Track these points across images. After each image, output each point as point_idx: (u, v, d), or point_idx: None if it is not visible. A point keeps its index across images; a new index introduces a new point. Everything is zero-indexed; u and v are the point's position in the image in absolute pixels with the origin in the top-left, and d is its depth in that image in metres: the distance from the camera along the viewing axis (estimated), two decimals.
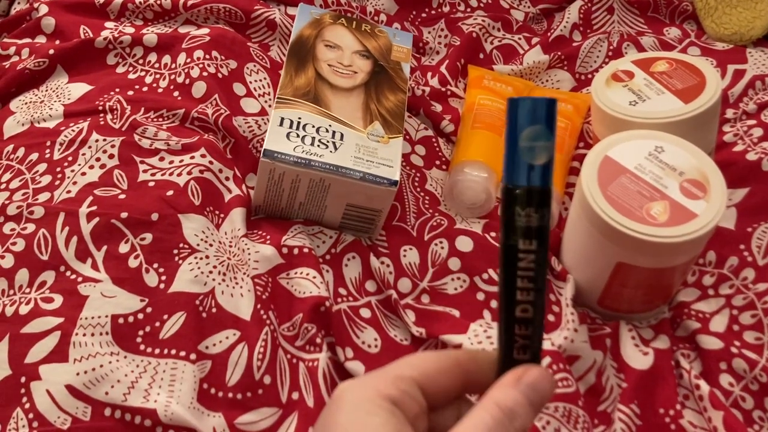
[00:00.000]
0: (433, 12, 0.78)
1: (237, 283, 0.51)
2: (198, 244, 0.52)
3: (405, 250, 0.57)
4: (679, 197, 0.49)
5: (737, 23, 0.74)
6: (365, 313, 0.53)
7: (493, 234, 0.58)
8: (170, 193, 0.54)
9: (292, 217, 0.57)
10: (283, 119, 0.55)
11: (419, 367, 0.29)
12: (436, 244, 0.57)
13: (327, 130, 0.55)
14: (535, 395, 0.26)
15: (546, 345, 0.50)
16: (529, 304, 0.26)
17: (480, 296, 0.55)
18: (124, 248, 0.51)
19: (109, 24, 0.68)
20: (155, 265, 0.51)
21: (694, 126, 0.55)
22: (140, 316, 0.49)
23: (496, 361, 0.29)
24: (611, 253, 0.50)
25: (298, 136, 0.54)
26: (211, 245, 0.52)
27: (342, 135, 0.55)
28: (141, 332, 0.48)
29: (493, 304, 0.55)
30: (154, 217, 0.52)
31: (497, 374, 0.28)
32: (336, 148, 0.54)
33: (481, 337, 0.51)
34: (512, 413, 0.26)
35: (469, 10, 0.79)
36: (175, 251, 0.52)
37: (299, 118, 0.55)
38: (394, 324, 0.54)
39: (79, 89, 0.62)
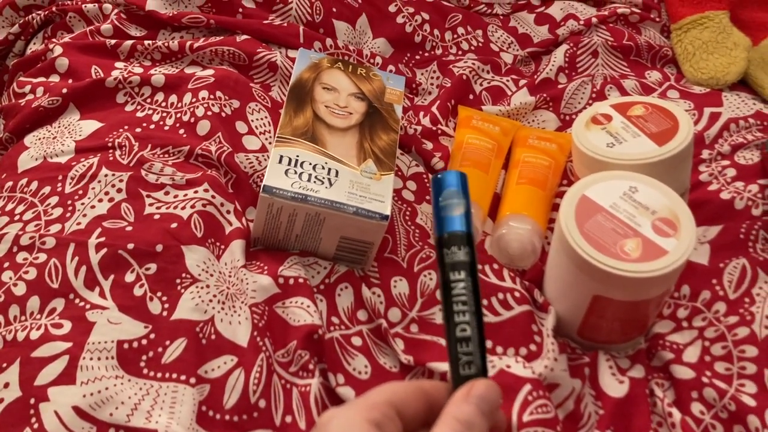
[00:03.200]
0: (426, 54, 0.82)
1: (235, 311, 0.54)
2: (199, 275, 0.55)
3: (395, 281, 0.60)
4: (651, 235, 0.52)
5: (714, 69, 0.79)
6: (356, 341, 0.56)
7: (479, 266, 0.62)
8: (174, 225, 0.57)
9: (288, 248, 0.60)
10: (282, 157, 0.58)
11: (394, 394, 0.32)
12: (425, 276, 0.60)
13: (323, 167, 0.58)
14: (485, 405, 0.30)
15: (527, 372, 0.53)
16: (466, 324, 0.31)
17: None
18: (129, 277, 0.54)
19: (119, 64, 0.72)
20: (159, 294, 0.54)
21: (667, 167, 0.58)
22: (144, 341, 0.52)
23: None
24: (588, 287, 0.53)
25: (295, 172, 0.57)
26: (211, 275, 0.56)
27: (337, 172, 0.58)
28: (144, 357, 0.51)
29: None
30: (159, 248, 0.56)
31: (450, 392, 0.32)
32: (331, 184, 0.57)
33: None
34: (470, 424, 0.29)
35: (460, 52, 0.83)
36: (178, 281, 0.55)
37: (297, 156, 0.59)
38: (383, 352, 0.56)
39: (90, 126, 0.66)
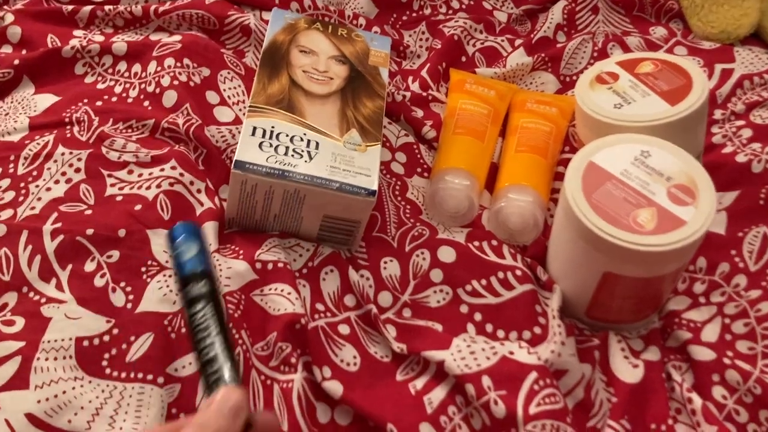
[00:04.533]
0: (414, 15, 0.76)
1: None
2: (167, 261, 0.50)
3: (385, 262, 0.55)
4: (667, 203, 0.47)
5: (724, 21, 0.73)
6: (344, 329, 0.51)
7: (476, 243, 0.56)
8: (138, 207, 0.52)
9: (267, 229, 0.54)
10: (255, 128, 0.52)
11: None
12: (417, 255, 0.55)
13: (302, 139, 0.53)
14: (224, 406, 0.30)
15: (532, 359, 0.48)
16: (209, 347, 0.33)
17: (463, 309, 0.53)
18: (90, 267, 0.49)
19: (78, 32, 0.65)
20: (122, 284, 0.49)
21: (681, 129, 0.53)
22: (106, 338, 0.46)
23: None
24: (598, 263, 0.48)
25: (271, 145, 0.52)
26: None
27: (317, 144, 0.53)
28: (107, 355, 0.46)
29: (477, 317, 0.53)
30: (122, 233, 0.50)
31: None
32: (311, 158, 0.52)
33: (465, 352, 0.49)
34: (204, 426, 0.30)
35: (450, 12, 0.77)
36: (143, 269, 0.49)
37: (272, 127, 0.53)
38: (374, 340, 0.51)
39: (45, 100, 0.60)
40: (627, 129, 0.53)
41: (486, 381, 0.47)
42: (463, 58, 0.73)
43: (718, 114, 0.66)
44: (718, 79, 0.69)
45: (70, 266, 0.49)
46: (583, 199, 0.47)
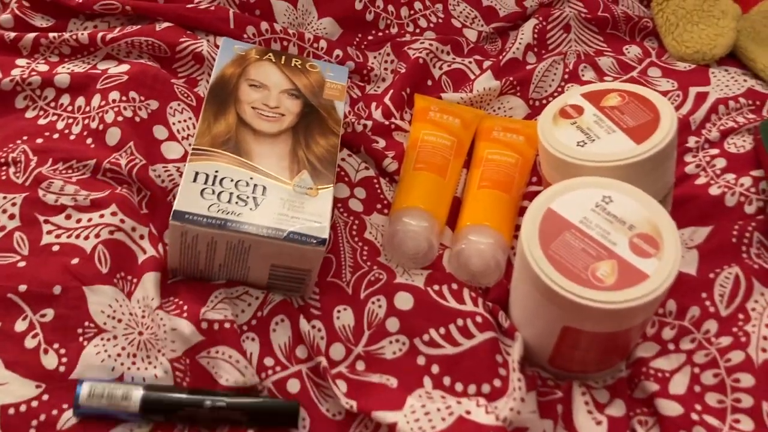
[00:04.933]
0: (379, 34, 0.73)
1: (150, 363, 0.47)
2: (105, 323, 0.47)
3: (339, 311, 0.52)
4: (629, 255, 0.44)
5: (699, 41, 0.70)
6: (293, 385, 0.48)
7: (436, 287, 0.54)
8: (75, 261, 0.49)
9: (213, 278, 0.52)
10: (197, 174, 0.50)
11: None
12: (373, 303, 0.53)
13: (247, 184, 0.50)
14: None
15: (490, 419, 0.46)
16: None
17: (420, 360, 0.50)
18: (21, 326, 0.46)
19: (20, 62, 0.62)
20: (55, 346, 0.46)
21: (647, 168, 0.50)
22: (34, 404, 0.44)
23: None
24: (556, 317, 0.46)
25: (213, 192, 0.49)
26: (119, 321, 0.48)
27: (264, 188, 0.50)
28: (35, 422, 0.43)
29: (435, 369, 0.50)
30: (57, 290, 0.48)
31: None
32: (257, 205, 0.49)
33: (419, 413, 0.46)
34: None
35: (418, 30, 0.74)
36: (80, 330, 0.47)
37: (216, 172, 0.50)
38: (326, 395, 0.49)
39: None
40: (590, 169, 0.50)
41: None
42: (429, 82, 0.70)
43: (692, 141, 0.63)
44: (693, 104, 0.66)
45: None
46: (540, 251, 0.45)
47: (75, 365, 0.45)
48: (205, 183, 0.49)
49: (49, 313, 0.47)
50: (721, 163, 0.61)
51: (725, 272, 0.54)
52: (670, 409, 0.48)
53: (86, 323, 0.47)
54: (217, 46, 0.65)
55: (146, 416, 0.44)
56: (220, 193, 0.49)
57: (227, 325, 0.48)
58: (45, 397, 0.44)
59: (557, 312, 0.45)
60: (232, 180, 0.50)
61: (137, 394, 0.44)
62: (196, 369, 0.47)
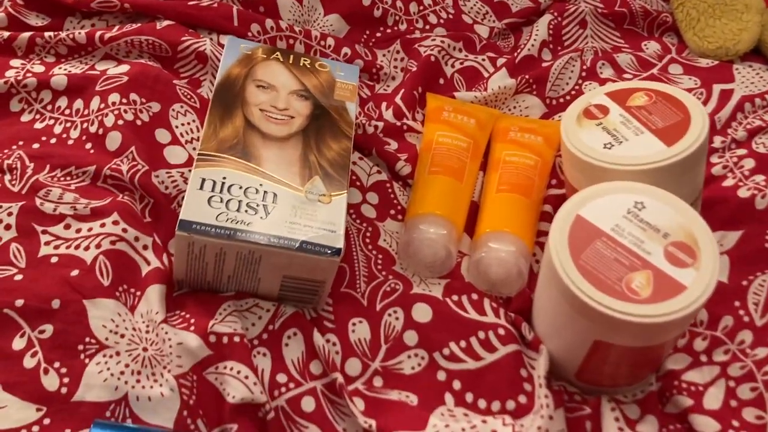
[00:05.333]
0: (388, 31, 0.71)
1: (156, 381, 0.44)
2: (107, 338, 0.44)
3: (354, 324, 0.49)
4: (665, 265, 0.42)
5: (722, 36, 0.67)
6: (308, 404, 0.46)
7: (455, 298, 0.51)
8: (75, 273, 0.46)
9: (221, 290, 0.49)
10: (204, 180, 0.47)
11: None
12: (389, 315, 0.50)
13: (257, 191, 0.47)
14: None
15: None
16: None
17: (441, 376, 0.48)
18: (19, 344, 0.44)
19: (15, 62, 0.59)
20: (56, 365, 0.43)
21: (678, 172, 0.48)
22: (35, 428, 0.41)
23: None
24: (587, 331, 0.43)
25: (221, 200, 0.46)
26: (122, 336, 0.45)
27: (275, 196, 0.47)
28: None
29: (456, 385, 0.47)
30: (55, 304, 0.45)
31: None
32: (267, 213, 0.46)
33: None
34: None
35: (428, 27, 0.71)
36: (81, 347, 0.44)
37: (224, 178, 0.47)
38: (342, 413, 0.46)
39: None
40: (619, 173, 0.48)
41: None
42: (441, 81, 0.67)
43: (717, 142, 0.61)
44: (717, 102, 0.64)
45: None
46: (570, 261, 0.42)
47: (77, 386, 0.43)
48: (213, 190, 0.46)
49: (48, 329, 0.44)
50: (749, 163, 0.58)
51: (759, 279, 0.51)
52: (706, 425, 0.46)
53: (87, 339, 0.44)
54: (221, 45, 0.62)
55: None
56: (228, 201, 0.46)
57: (237, 339, 0.46)
58: (46, 421, 0.41)
59: (589, 325, 0.43)
60: (240, 187, 0.47)
61: None
62: (203, 385, 0.45)
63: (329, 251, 0.46)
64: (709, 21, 0.68)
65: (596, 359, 0.45)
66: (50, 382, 0.43)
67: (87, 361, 0.44)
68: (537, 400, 0.46)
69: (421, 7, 0.72)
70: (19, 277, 0.46)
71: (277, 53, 0.56)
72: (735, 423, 0.46)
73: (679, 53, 0.70)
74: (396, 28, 0.71)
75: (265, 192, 0.47)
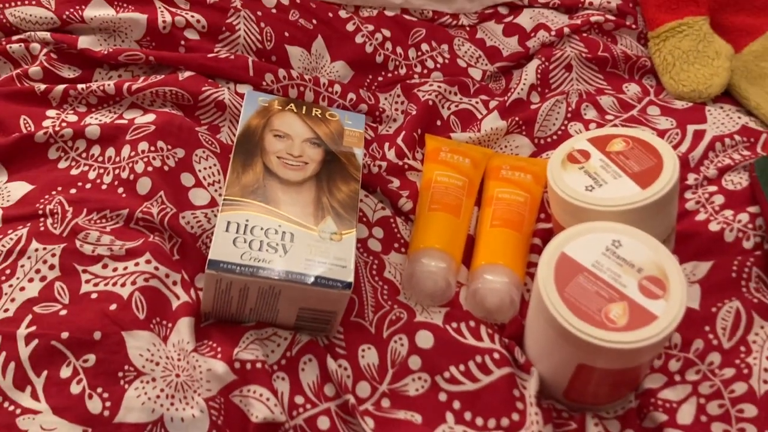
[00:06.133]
0: (389, 75, 0.77)
1: (188, 404, 0.49)
2: (143, 366, 0.50)
3: (363, 350, 0.55)
4: (639, 297, 0.48)
5: (695, 80, 0.74)
6: (323, 423, 0.51)
7: (454, 325, 0.57)
8: (113, 307, 0.52)
9: (243, 321, 0.54)
10: (229, 223, 0.53)
11: None
12: (395, 341, 0.55)
13: (276, 232, 0.53)
14: None
15: None
16: None
17: (442, 397, 0.53)
18: (65, 372, 0.49)
19: (50, 112, 0.65)
20: (99, 390, 0.48)
21: (652, 211, 0.54)
22: None
23: None
24: (571, 355, 0.49)
25: (245, 241, 0.52)
26: (157, 364, 0.50)
27: (292, 235, 0.53)
28: None
29: (456, 405, 0.53)
30: (97, 335, 0.50)
31: None
32: (286, 251, 0.52)
33: None
34: None
35: (425, 71, 0.78)
36: (120, 374, 0.49)
37: (247, 221, 0.53)
38: (354, 431, 0.52)
39: (19, 189, 0.59)
40: (599, 213, 0.54)
41: None
42: (439, 122, 0.73)
43: (691, 179, 0.67)
44: (691, 142, 0.70)
45: (45, 373, 0.48)
46: (556, 294, 0.48)
47: (118, 408, 0.48)
48: (237, 232, 0.52)
49: (91, 359, 0.49)
50: (719, 199, 0.64)
51: (726, 306, 0.57)
52: None
53: (126, 367, 0.50)
54: (238, 94, 0.68)
55: None
56: (251, 241, 0.52)
57: (258, 365, 0.51)
58: None
59: (572, 351, 0.48)
60: (261, 228, 0.53)
61: None
62: (229, 407, 0.50)
63: (341, 284, 0.51)
64: (684, 66, 0.75)
65: (581, 380, 0.51)
66: (94, 405, 0.48)
67: (126, 386, 0.49)
68: (528, 418, 0.51)
69: (419, 53, 0.78)
70: (63, 312, 0.52)
71: (292, 104, 0.62)
72: None
73: (657, 95, 0.76)
74: (396, 72, 0.77)
75: (283, 232, 0.53)
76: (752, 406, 0.52)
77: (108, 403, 0.48)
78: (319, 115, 0.62)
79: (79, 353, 0.50)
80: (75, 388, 0.48)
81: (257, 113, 0.60)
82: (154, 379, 0.50)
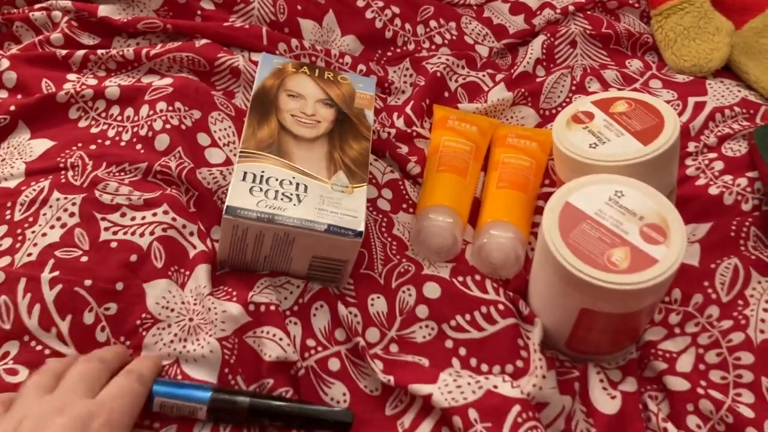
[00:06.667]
0: (398, 50, 0.79)
1: (200, 345, 0.51)
2: (159, 313, 0.52)
3: (373, 299, 0.57)
4: (640, 243, 0.49)
5: (696, 55, 0.76)
6: (334, 365, 0.53)
7: (460, 278, 0.59)
8: (134, 258, 0.53)
9: (258, 269, 0.56)
10: (246, 173, 0.54)
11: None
12: (403, 292, 0.57)
13: (291, 183, 0.55)
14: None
15: (515, 393, 0.50)
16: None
17: (448, 344, 0.55)
18: (88, 318, 0.51)
19: (71, 76, 0.67)
20: (122, 339, 0.50)
21: (653, 167, 0.55)
22: None
23: None
24: (574, 300, 0.50)
25: (261, 190, 0.54)
26: (172, 310, 0.52)
27: (306, 187, 0.55)
28: None
29: (462, 351, 0.55)
30: (119, 286, 0.52)
31: None
32: (300, 201, 0.54)
33: (452, 386, 0.51)
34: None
35: (433, 47, 0.80)
36: (138, 322, 0.51)
37: (262, 172, 0.55)
38: (364, 373, 0.53)
39: (41, 146, 0.61)
40: (602, 168, 0.56)
41: (472, 414, 0.49)
42: (446, 94, 0.75)
43: (691, 147, 0.68)
44: (692, 112, 0.72)
45: (69, 317, 0.50)
46: (560, 240, 0.50)
47: (139, 354, 0.50)
48: (253, 182, 0.54)
49: (113, 308, 0.51)
50: (719, 165, 0.66)
51: (725, 263, 0.59)
52: (678, 384, 0.53)
53: (144, 315, 0.52)
54: (252, 61, 0.70)
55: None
56: (266, 190, 0.54)
57: (272, 308, 0.53)
58: None
59: (576, 295, 0.50)
60: (276, 179, 0.55)
61: (203, 408, 0.48)
62: (242, 347, 0.52)
63: (351, 233, 0.53)
64: (685, 42, 0.77)
65: (583, 328, 0.52)
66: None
67: (144, 333, 0.51)
68: (532, 364, 0.53)
69: (428, 29, 0.80)
70: (84, 258, 0.53)
71: (305, 67, 0.64)
72: (703, 383, 0.53)
73: (659, 70, 0.78)
74: (405, 47, 0.79)
75: (297, 184, 0.55)
76: (749, 354, 0.53)
77: (129, 351, 0.50)
78: (332, 78, 0.64)
79: (102, 301, 0.52)
80: (100, 336, 0.50)
81: (272, 74, 0.62)
82: (169, 325, 0.52)
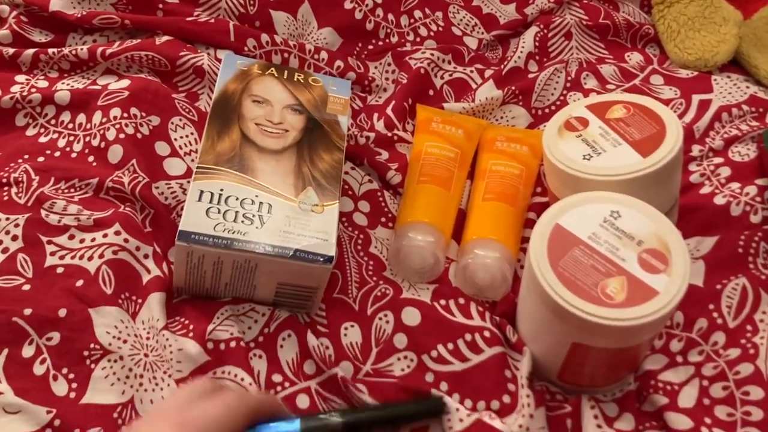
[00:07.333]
0: (379, 43, 0.73)
1: (157, 385, 0.46)
2: (110, 344, 0.47)
3: (346, 328, 0.52)
4: (638, 271, 0.44)
5: (701, 48, 0.70)
6: (302, 401, 0.48)
7: (443, 302, 0.54)
8: (80, 283, 0.49)
9: (218, 296, 0.51)
10: (202, 192, 0.49)
11: None
12: (380, 318, 0.52)
13: (253, 202, 0.50)
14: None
15: (504, 427, 0.46)
16: None
17: (429, 377, 0.50)
18: (28, 351, 0.46)
19: (20, 78, 0.62)
20: (64, 371, 0.46)
21: (653, 182, 0.50)
22: (48, 431, 0.43)
23: None
24: (566, 334, 0.46)
25: (219, 211, 0.48)
26: (125, 341, 0.47)
27: (270, 206, 0.50)
28: None
29: (443, 386, 0.50)
30: (62, 313, 0.47)
31: None
32: (263, 223, 0.49)
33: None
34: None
35: (418, 39, 0.74)
36: (86, 353, 0.46)
37: (221, 190, 0.50)
38: (335, 410, 0.49)
39: None
40: (596, 183, 0.50)
41: None
42: (431, 92, 0.70)
43: (695, 150, 0.63)
44: (696, 112, 0.66)
45: (6, 351, 0.46)
46: (549, 268, 0.45)
47: (85, 390, 0.45)
48: (211, 202, 0.49)
49: (55, 337, 0.47)
50: (725, 171, 0.60)
51: (732, 283, 0.54)
52: (680, 422, 0.48)
53: (92, 345, 0.47)
54: (218, 59, 0.65)
55: None
56: (225, 211, 0.49)
57: (233, 344, 0.48)
58: (57, 422, 0.44)
59: (567, 329, 0.45)
60: (237, 198, 0.49)
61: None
62: None
63: (321, 259, 0.48)
64: (689, 33, 0.71)
65: (575, 360, 0.48)
66: (59, 387, 0.45)
67: (93, 366, 0.46)
68: (519, 400, 0.48)
69: (412, 20, 0.75)
70: (26, 287, 0.49)
71: (272, 69, 0.58)
72: (707, 420, 0.48)
73: (661, 64, 0.72)
74: (387, 40, 0.73)
75: (260, 203, 0.50)
76: (758, 389, 0.48)
77: (74, 384, 0.45)
78: (302, 81, 0.58)
79: (43, 331, 0.47)
80: (38, 369, 0.45)
81: (235, 77, 0.57)
82: (121, 358, 0.47)
